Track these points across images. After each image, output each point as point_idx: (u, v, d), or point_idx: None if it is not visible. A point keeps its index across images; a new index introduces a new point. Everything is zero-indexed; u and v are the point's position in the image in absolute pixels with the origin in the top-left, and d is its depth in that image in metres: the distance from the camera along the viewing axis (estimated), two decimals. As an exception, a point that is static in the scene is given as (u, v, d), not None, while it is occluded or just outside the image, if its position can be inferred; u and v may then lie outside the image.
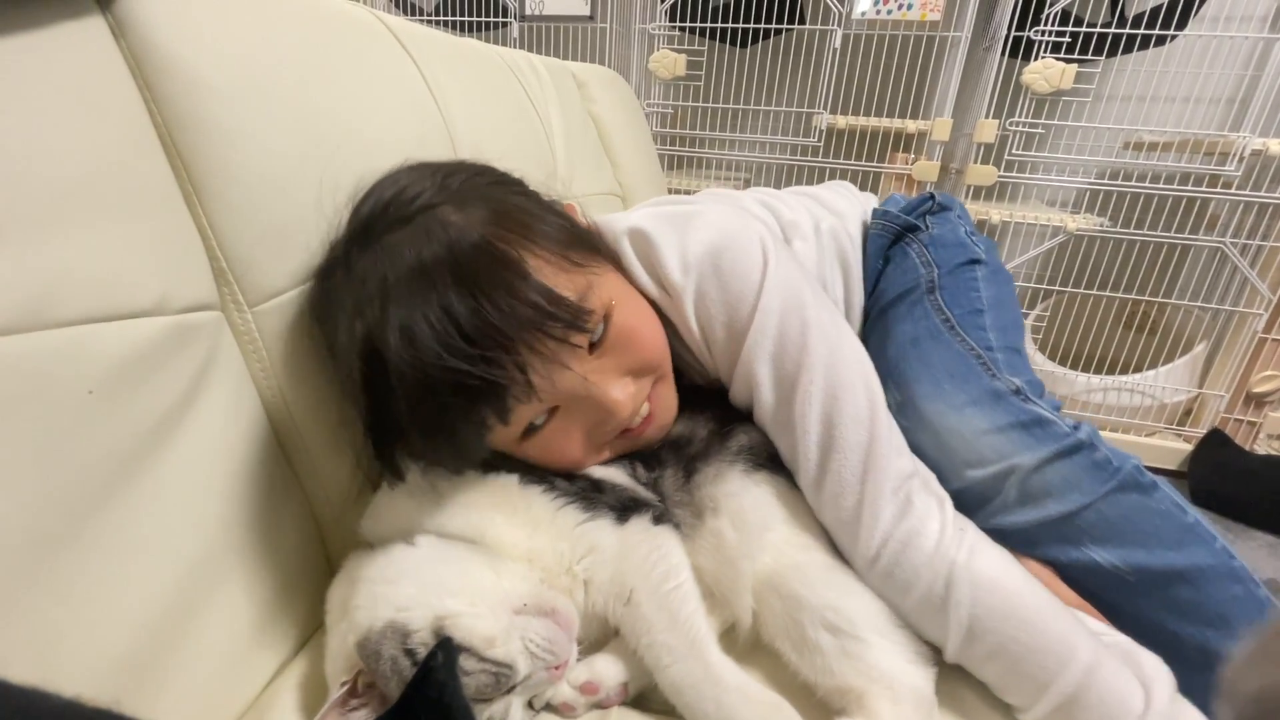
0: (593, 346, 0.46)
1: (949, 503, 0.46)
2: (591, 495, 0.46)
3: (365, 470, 0.47)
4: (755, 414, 0.50)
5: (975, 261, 0.64)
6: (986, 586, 0.41)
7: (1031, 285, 1.52)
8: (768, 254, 0.50)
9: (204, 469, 0.41)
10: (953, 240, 0.66)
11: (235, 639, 0.42)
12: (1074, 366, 1.50)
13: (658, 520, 0.46)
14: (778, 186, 1.69)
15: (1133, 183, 1.39)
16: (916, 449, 0.49)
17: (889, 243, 0.69)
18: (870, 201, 0.75)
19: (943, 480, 0.48)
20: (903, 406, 0.56)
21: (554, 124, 0.88)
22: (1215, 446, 1.35)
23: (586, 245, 0.49)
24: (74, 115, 0.36)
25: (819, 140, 1.55)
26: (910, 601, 0.43)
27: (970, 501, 0.51)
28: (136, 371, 0.36)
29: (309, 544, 0.50)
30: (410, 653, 0.35)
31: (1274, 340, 1.34)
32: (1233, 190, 1.33)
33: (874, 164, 1.52)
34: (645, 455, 0.52)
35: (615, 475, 0.50)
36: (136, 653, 0.35)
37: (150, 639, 0.36)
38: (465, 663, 0.34)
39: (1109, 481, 0.49)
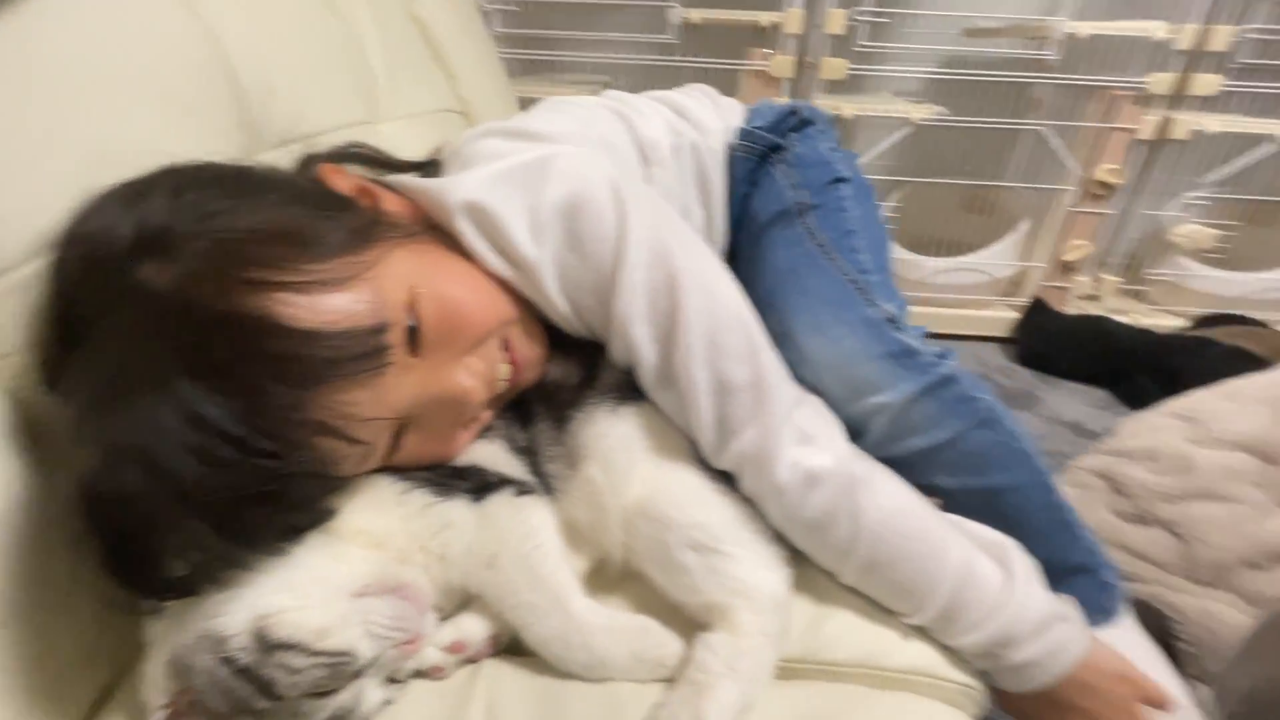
0: (412, 344, 0.39)
1: (840, 427, 0.47)
2: (446, 481, 0.43)
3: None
4: (637, 375, 0.46)
5: (840, 180, 0.63)
6: (886, 515, 0.43)
7: (885, 178, 1.58)
8: (624, 202, 0.45)
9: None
10: (815, 159, 0.64)
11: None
12: (925, 251, 1.61)
13: (521, 494, 0.44)
14: (638, 88, 1.62)
15: (969, 70, 1.46)
16: (798, 383, 0.49)
17: (755, 165, 0.65)
18: (735, 112, 0.70)
19: None
20: (782, 339, 0.54)
21: (365, 29, 0.76)
22: (1037, 313, 1.53)
23: (359, 231, 0.39)
24: None
25: (676, 37, 1.48)
26: (817, 535, 0.44)
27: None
28: None
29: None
30: (229, 660, 0.32)
31: (1082, 213, 1.50)
32: (1049, 74, 1.42)
33: (733, 61, 1.47)
34: (519, 413, 0.48)
35: (483, 454, 0.46)
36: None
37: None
38: (294, 660, 0.32)
39: (969, 420, 0.51)
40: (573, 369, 0.49)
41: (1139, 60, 1.41)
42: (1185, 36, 1.34)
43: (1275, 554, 0.80)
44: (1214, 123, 1.37)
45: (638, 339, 0.44)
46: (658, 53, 1.51)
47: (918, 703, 0.41)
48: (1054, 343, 1.47)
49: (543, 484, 0.46)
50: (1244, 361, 1.21)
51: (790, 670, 0.42)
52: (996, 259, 1.57)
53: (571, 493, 0.46)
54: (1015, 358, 1.51)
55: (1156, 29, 1.32)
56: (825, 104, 1.42)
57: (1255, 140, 1.39)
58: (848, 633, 0.44)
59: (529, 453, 0.47)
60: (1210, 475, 0.85)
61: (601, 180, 0.46)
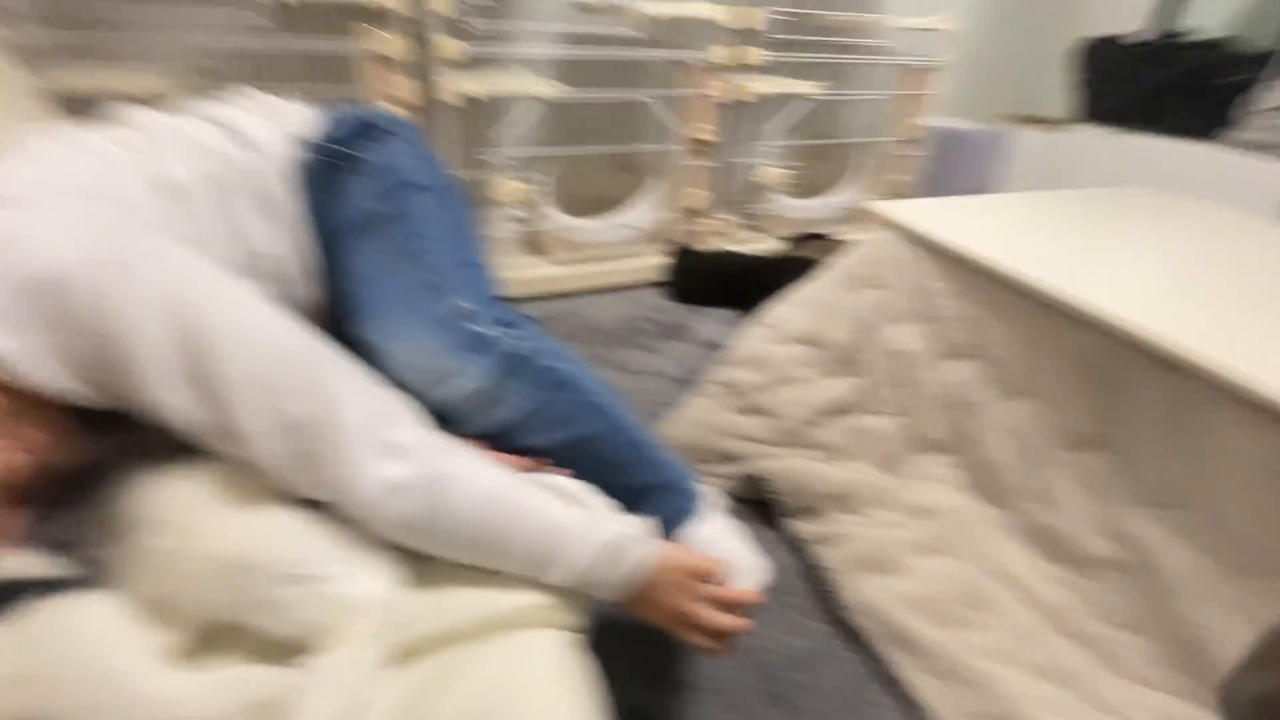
0: None
1: (425, 428, 0.50)
2: None
3: None
4: (195, 437, 0.44)
5: (416, 187, 0.64)
6: (475, 501, 0.47)
7: (531, 151, 1.67)
8: (121, 266, 0.41)
9: None
10: (391, 168, 0.64)
11: None
12: (592, 213, 1.76)
13: (69, 592, 0.39)
14: (241, 73, 1.43)
15: (584, 47, 1.60)
16: (389, 382, 0.51)
17: (330, 176, 0.63)
18: (297, 120, 0.66)
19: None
20: (371, 344, 0.56)
21: None
22: (680, 255, 1.80)
23: None
24: None
25: (269, 20, 1.33)
26: (417, 535, 0.47)
27: (437, 419, 0.55)
28: None
29: None
30: None
31: (695, 167, 1.79)
32: (646, 49, 1.64)
33: (342, 41, 1.39)
34: (55, 506, 0.43)
35: (13, 565, 0.41)
36: None
37: None
38: None
39: (543, 386, 0.59)
40: (111, 443, 0.45)
41: (711, 37, 1.70)
42: (732, 17, 1.65)
43: (824, 411, 1.10)
44: (767, 85, 1.73)
45: (178, 405, 0.42)
46: (255, 35, 1.35)
47: (522, 633, 0.49)
48: (694, 278, 1.76)
49: (96, 572, 0.42)
50: (813, 271, 1.60)
51: (416, 651, 0.46)
52: (639, 214, 1.79)
53: (136, 569, 0.43)
54: (669, 296, 1.77)
55: (710, 10, 1.60)
56: (450, 84, 1.44)
57: (790, 98, 1.80)
58: (467, 600, 0.50)
59: (71, 545, 0.42)
60: (782, 365, 1.13)
61: (82, 249, 0.42)
